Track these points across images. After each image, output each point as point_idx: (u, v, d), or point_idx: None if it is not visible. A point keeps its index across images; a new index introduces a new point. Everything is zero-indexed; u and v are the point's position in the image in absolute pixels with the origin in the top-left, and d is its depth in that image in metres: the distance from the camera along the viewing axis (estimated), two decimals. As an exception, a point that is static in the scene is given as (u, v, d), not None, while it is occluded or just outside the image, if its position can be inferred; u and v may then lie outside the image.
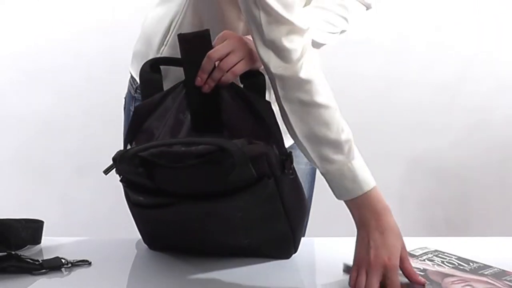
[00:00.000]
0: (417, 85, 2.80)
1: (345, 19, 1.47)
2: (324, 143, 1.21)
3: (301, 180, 1.40)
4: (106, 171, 1.22)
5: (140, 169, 1.18)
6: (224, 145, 1.14)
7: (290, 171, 1.23)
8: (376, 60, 2.77)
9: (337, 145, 1.21)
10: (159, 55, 1.41)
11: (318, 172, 1.54)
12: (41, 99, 2.77)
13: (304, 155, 1.24)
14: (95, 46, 2.67)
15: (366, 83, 2.77)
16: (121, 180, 1.23)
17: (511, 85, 2.83)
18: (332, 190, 1.24)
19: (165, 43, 1.42)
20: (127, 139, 1.28)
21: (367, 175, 1.24)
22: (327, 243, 1.40)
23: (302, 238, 1.30)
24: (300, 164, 1.54)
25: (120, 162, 1.18)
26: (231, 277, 1.20)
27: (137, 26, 1.54)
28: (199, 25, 1.36)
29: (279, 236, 1.26)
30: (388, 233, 1.20)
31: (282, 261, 1.26)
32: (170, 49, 1.39)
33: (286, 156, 1.22)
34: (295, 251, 1.28)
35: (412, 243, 1.39)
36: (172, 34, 1.40)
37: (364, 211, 1.22)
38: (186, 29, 1.36)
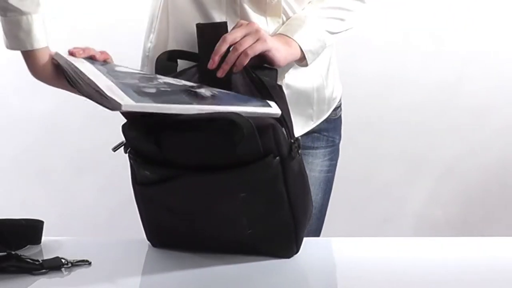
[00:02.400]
0: (417, 85, 2.81)
1: (343, 20, 1.49)
2: None
3: (314, 188, 1.41)
4: (115, 148, 1.27)
5: (150, 136, 1.20)
6: (232, 118, 1.16)
7: (297, 155, 1.24)
8: (376, 60, 2.78)
9: None
10: (149, 43, 1.46)
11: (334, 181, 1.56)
12: (41, 100, 2.76)
13: None
14: (95, 48, 2.66)
15: (366, 83, 2.77)
16: (129, 152, 1.25)
17: (511, 85, 2.83)
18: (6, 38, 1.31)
19: (152, 30, 1.45)
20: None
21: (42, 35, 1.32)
22: (328, 243, 1.39)
23: (305, 238, 1.30)
24: (314, 172, 1.54)
25: (129, 127, 1.22)
26: (232, 278, 1.20)
27: (138, 27, 1.54)
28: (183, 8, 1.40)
29: (281, 229, 1.25)
30: None
31: (283, 261, 1.26)
32: (157, 35, 1.42)
33: (294, 140, 1.24)
34: (297, 251, 1.28)
35: (412, 243, 1.39)
36: (158, 20, 1.44)
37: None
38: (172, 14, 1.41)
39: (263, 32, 1.33)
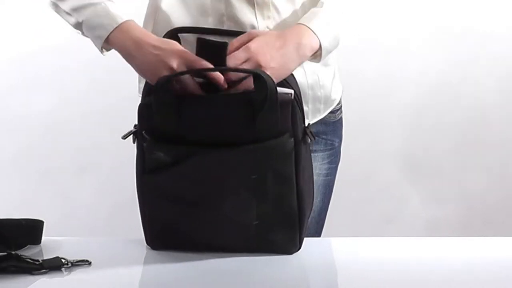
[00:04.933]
0: (417, 85, 2.81)
1: None
2: None
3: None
4: (125, 136, 1.28)
5: (172, 100, 1.22)
6: (259, 72, 1.22)
7: (308, 141, 1.27)
8: (376, 60, 2.78)
9: None
10: None
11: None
12: (42, 100, 2.77)
13: (62, 16, 1.39)
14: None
15: (366, 83, 2.77)
16: (144, 134, 1.25)
17: (511, 85, 2.83)
18: (93, 40, 1.37)
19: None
20: (144, 92, 1.33)
21: (121, 12, 1.35)
22: (328, 243, 1.39)
23: (305, 238, 1.30)
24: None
25: (156, 88, 1.23)
26: (232, 275, 1.21)
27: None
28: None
29: (287, 218, 1.26)
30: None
31: (283, 260, 1.26)
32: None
33: (308, 125, 1.28)
34: (300, 246, 1.28)
35: (412, 243, 1.39)
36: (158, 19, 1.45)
37: (126, 41, 1.33)
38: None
39: (261, 56, 1.30)
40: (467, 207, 2.89)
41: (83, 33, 1.39)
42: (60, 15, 1.41)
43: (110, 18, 1.34)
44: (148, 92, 1.30)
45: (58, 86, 2.76)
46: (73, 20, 1.38)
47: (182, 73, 1.26)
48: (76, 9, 1.36)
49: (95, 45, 1.38)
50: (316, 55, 1.37)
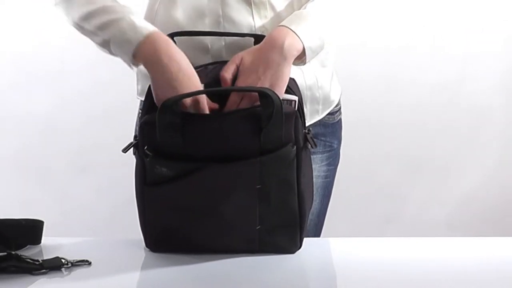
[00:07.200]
0: (417, 85, 2.81)
1: None
2: (99, 12, 1.31)
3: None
4: (125, 149, 1.27)
5: (177, 120, 1.21)
6: (265, 91, 1.21)
7: (309, 146, 1.28)
8: (376, 60, 2.78)
9: (108, 8, 1.31)
10: None
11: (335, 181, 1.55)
12: (42, 99, 2.77)
13: (88, 36, 1.35)
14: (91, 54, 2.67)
15: (366, 83, 2.77)
16: (146, 150, 1.23)
17: (511, 85, 2.83)
18: (122, 57, 1.31)
19: None
20: (145, 109, 1.31)
21: (146, 24, 1.30)
22: (327, 243, 1.39)
23: (305, 239, 1.31)
24: None
25: (161, 111, 1.21)
26: (230, 276, 1.21)
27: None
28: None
29: (288, 220, 1.27)
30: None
31: (282, 260, 1.26)
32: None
33: (308, 131, 1.28)
34: (300, 246, 1.29)
35: (412, 243, 1.39)
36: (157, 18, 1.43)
37: (152, 55, 1.27)
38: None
39: (260, 74, 1.30)
40: (467, 207, 2.89)
41: (110, 52, 1.33)
42: (85, 35, 1.35)
43: (135, 32, 1.28)
44: (148, 109, 1.29)
45: (59, 86, 2.77)
46: (99, 39, 1.33)
47: (190, 94, 1.25)
48: (101, 27, 1.31)
49: (124, 61, 1.32)
50: (301, 56, 1.35)
